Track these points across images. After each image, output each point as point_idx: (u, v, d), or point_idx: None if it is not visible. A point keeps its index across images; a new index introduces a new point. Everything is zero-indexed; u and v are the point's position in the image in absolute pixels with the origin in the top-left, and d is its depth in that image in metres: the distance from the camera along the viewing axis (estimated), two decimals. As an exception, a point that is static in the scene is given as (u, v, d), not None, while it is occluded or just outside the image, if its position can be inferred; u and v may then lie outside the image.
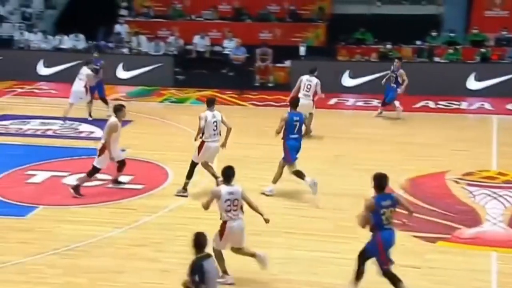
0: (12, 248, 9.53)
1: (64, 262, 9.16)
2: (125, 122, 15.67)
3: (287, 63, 19.80)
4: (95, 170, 11.31)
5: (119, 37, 20.84)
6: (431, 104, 18.25)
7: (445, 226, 10.49)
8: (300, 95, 14.35)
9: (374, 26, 20.90)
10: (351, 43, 20.98)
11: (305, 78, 14.82)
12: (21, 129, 15.12)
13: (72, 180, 12.11)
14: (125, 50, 20.69)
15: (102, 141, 11.33)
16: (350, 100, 18.40)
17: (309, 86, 14.77)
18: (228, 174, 8.53)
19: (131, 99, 18.36)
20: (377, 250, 7.96)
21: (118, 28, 21.17)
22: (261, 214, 8.67)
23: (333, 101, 18.34)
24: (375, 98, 18.26)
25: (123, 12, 22.21)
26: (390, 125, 16.32)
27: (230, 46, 20.29)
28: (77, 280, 8.66)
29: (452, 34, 20.59)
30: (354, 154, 13.89)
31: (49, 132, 15.12)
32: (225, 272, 8.51)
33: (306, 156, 13.71)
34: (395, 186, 12.05)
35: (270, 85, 19.66)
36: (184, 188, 11.49)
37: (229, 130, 11.54)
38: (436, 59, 20.08)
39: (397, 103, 16.56)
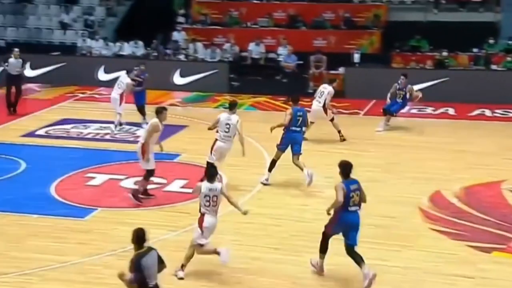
0: (71, 249, 9.79)
1: (121, 263, 9.29)
2: (180, 127, 16.08)
3: (341, 70, 19.72)
4: (149, 173, 11.49)
5: (176, 44, 21.15)
6: (488, 113, 17.87)
7: (501, 236, 10.27)
8: (313, 100, 15.07)
9: (430, 33, 20.61)
10: (406, 50, 20.75)
11: (321, 86, 15.30)
12: (81, 133, 15.52)
13: (129, 183, 12.37)
14: (182, 57, 20.99)
15: (142, 141, 11.30)
16: (405, 108, 18.14)
17: (321, 94, 14.96)
18: (211, 173, 9.06)
19: (187, 105, 18.61)
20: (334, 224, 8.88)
21: (175, 35, 21.50)
22: (239, 209, 9.14)
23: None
24: (429, 105, 18.02)
25: (181, 19, 22.54)
26: (445, 133, 16.05)
27: (284, 53, 20.35)
28: (132, 281, 8.84)
29: (510, 42, 20.12)
30: (406, 162, 13.74)
31: (108, 136, 15.46)
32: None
33: (358, 162, 13.63)
34: (449, 194, 11.90)
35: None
36: None
37: (240, 137, 11.94)
38: (493, 67, 19.65)
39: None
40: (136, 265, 6.83)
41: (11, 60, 16.86)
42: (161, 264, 7.15)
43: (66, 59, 20.82)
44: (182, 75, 20.13)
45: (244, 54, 20.99)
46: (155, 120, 11.27)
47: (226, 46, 20.97)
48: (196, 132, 15.81)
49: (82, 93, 19.67)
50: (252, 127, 15.61)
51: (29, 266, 9.21)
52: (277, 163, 12.51)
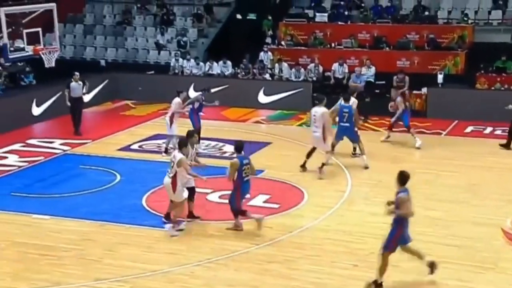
0: (161, 258, 10.04)
1: (206, 274, 9.53)
2: (264, 144, 16.22)
3: (424, 90, 19.34)
4: (191, 191, 11.27)
5: (262, 63, 21.41)
6: None
7: None
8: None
9: (516, 55, 19.92)
10: (491, 71, 20.11)
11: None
12: (172, 148, 15.90)
13: (215, 197, 12.59)
14: (267, 76, 21.21)
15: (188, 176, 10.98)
16: (488, 129, 17.60)
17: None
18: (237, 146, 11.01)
19: (271, 122, 18.76)
20: (234, 196, 10.87)
21: (262, 55, 21.76)
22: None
23: (469, 129, 17.67)
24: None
25: (268, 40, 22.81)
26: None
27: (368, 73, 20.19)
28: (216, 292, 8.98)
29: None
30: (489, 183, 13.29)
31: (199, 150, 15.74)
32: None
33: (440, 183, 13.34)
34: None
35: (405, 111, 19.28)
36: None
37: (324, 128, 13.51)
38: None
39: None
40: None
41: (73, 84, 16.92)
42: None
43: (160, 78, 21.48)
44: (266, 94, 20.33)
45: (327, 73, 20.98)
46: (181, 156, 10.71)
47: (311, 66, 21.03)
48: (279, 149, 15.92)
49: (174, 110, 20.15)
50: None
51: (122, 273, 9.52)
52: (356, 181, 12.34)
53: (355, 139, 14.48)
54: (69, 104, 16.97)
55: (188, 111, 15.88)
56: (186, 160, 10.72)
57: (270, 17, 23.69)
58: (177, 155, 10.69)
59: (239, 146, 11.00)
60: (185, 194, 10.94)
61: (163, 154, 15.11)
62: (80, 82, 17.06)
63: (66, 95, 17.13)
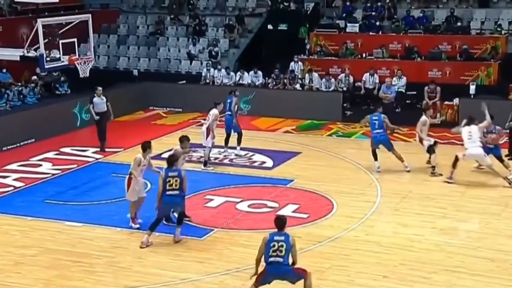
0: (190, 266, 10.07)
1: (235, 283, 9.52)
2: (293, 154, 16.19)
3: (456, 101, 19.11)
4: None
5: (292, 73, 21.41)
6: None
7: None
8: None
9: (550, 66, 19.57)
10: (525, 82, 19.78)
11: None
12: (201, 157, 15.98)
13: (244, 206, 12.60)
14: (297, 86, 21.20)
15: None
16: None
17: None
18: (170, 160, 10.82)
19: (301, 132, 18.72)
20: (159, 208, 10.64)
21: (292, 65, 21.77)
22: None
23: (502, 140, 17.35)
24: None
25: (307, 46, 22.83)
26: None
27: (399, 84, 20.04)
28: (245, 301, 8.96)
29: None
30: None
31: (226, 161, 15.83)
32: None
33: (472, 194, 13.15)
34: None
35: (437, 122, 19.07)
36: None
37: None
38: None
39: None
40: None
41: (95, 99, 16.61)
42: None
43: (192, 87, 21.63)
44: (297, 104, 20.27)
45: (358, 84, 20.88)
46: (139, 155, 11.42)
47: (341, 76, 20.96)
48: (308, 159, 15.86)
49: (204, 119, 20.24)
50: (364, 156, 15.48)
51: (151, 281, 9.57)
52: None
53: (389, 147, 14.62)
54: (97, 117, 16.73)
55: (228, 116, 16.03)
56: (139, 160, 11.30)
57: (307, 25, 23.77)
58: (138, 155, 11.30)
59: (169, 160, 10.96)
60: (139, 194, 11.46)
61: (203, 167, 15.00)
62: (104, 97, 16.69)
63: (90, 110, 16.89)
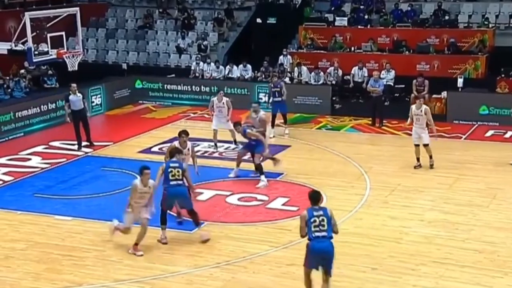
0: (180, 260, 10.07)
1: (225, 276, 9.53)
2: (283, 147, 16.21)
3: (444, 94, 19.20)
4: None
5: (282, 67, 21.40)
6: None
7: None
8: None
9: (538, 59, 19.68)
10: (512, 75, 19.91)
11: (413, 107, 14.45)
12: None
13: (234, 199, 12.61)
14: (286, 79, 21.19)
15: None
16: (508, 133, 17.39)
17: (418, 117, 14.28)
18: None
19: (290, 126, 18.69)
20: (162, 199, 10.47)
21: (281, 59, 21.75)
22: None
23: (489, 133, 17.49)
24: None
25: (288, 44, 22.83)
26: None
27: (387, 77, 20.09)
28: (235, 293, 8.98)
29: None
30: (510, 188, 13.13)
31: (215, 154, 15.82)
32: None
33: (460, 187, 13.24)
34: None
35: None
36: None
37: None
38: None
39: None
40: None
41: (71, 97, 15.98)
42: None
43: (180, 81, 21.57)
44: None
45: (347, 77, 20.92)
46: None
47: (330, 69, 20.98)
48: (298, 152, 15.88)
49: (194, 113, 20.27)
50: (353, 149, 15.52)
51: (141, 274, 9.57)
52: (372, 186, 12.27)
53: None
54: (68, 121, 16.21)
55: (272, 102, 17.29)
56: (137, 186, 10.07)
57: (313, 5, 24.03)
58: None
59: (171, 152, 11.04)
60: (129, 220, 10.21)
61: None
62: (80, 94, 16.08)
63: (66, 109, 16.29)
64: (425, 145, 14.23)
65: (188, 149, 11.73)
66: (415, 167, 14.23)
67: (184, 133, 11.82)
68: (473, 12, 22.84)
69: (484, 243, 10.50)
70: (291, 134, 17.42)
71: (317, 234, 8.19)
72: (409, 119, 14.50)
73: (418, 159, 14.29)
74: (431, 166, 14.24)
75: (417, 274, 9.45)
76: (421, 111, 14.16)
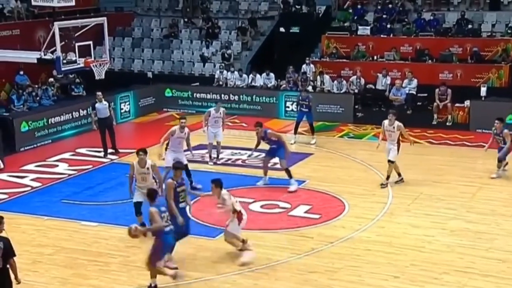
0: (202, 266, 10.11)
1: (247, 283, 9.55)
2: (306, 155, 16.19)
3: (467, 103, 19.03)
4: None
5: (304, 76, 21.41)
6: None
7: None
8: None
9: (561, 68, 19.41)
10: (536, 84, 19.67)
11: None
12: (214, 157, 16.02)
13: (257, 206, 12.62)
14: (309, 88, 21.17)
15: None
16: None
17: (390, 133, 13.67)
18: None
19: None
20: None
21: (304, 68, 21.76)
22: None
23: None
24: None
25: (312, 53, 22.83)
26: None
27: (410, 86, 19.98)
28: (257, 300, 8.98)
29: None
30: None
31: (239, 162, 15.86)
32: None
33: (483, 196, 13.10)
34: None
35: (448, 124, 19.03)
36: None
37: None
38: None
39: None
40: None
41: (97, 105, 16.25)
42: None
43: (205, 89, 21.69)
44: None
45: (369, 86, 20.84)
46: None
47: (352, 78, 20.93)
48: (320, 160, 15.86)
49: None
50: (375, 157, 15.46)
51: (165, 279, 9.57)
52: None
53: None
54: (95, 128, 16.51)
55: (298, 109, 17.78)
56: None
57: (350, 11, 24.04)
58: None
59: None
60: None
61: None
62: (106, 102, 16.33)
63: (92, 117, 16.63)
64: (389, 161, 13.52)
65: (148, 168, 11.21)
66: (395, 182, 13.64)
67: (142, 151, 11.23)
68: (496, 21, 22.62)
69: (507, 252, 10.38)
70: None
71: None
72: (380, 135, 14.00)
73: (399, 174, 13.73)
74: (383, 186, 13.52)
75: (440, 283, 9.37)
76: (393, 127, 13.51)
